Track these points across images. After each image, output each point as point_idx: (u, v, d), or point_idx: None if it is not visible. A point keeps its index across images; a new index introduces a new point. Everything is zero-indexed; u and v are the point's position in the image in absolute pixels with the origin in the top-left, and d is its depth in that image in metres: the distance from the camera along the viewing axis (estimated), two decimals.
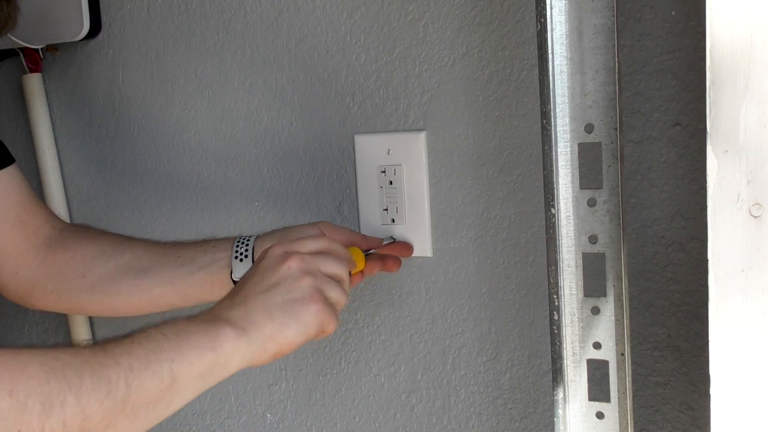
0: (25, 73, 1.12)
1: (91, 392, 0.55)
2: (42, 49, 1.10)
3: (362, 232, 0.96)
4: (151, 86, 1.08)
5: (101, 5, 1.08)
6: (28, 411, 0.52)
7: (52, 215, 0.95)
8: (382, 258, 0.89)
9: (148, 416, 0.60)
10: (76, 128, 1.14)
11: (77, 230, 0.95)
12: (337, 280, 0.76)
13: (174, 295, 0.87)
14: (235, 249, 0.86)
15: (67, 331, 1.15)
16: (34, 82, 1.12)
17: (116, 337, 0.62)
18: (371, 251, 0.88)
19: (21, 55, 1.10)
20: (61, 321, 1.17)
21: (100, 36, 1.09)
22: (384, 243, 0.91)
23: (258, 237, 0.87)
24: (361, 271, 0.86)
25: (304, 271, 0.73)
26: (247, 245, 0.86)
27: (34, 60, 1.10)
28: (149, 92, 1.08)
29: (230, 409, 1.11)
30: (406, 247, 0.93)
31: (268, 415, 1.08)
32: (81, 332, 1.14)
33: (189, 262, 0.87)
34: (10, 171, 0.89)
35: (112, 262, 0.89)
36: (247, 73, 1.01)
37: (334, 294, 0.74)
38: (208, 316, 0.68)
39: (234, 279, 0.85)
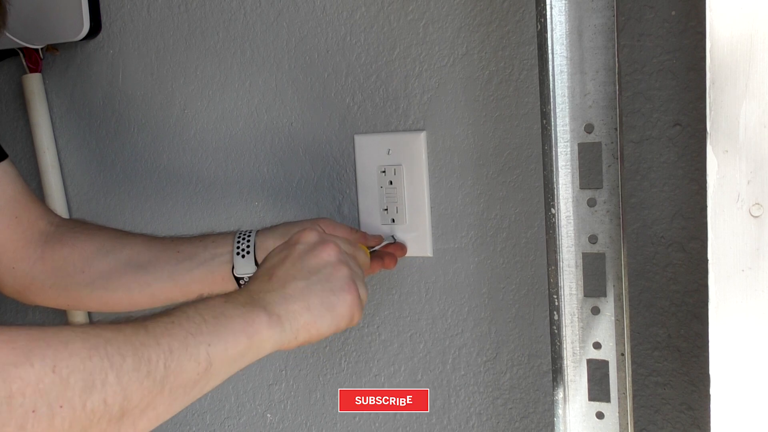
0: (25, 73, 1.12)
1: (132, 372, 0.55)
2: (42, 49, 1.10)
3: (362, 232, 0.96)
4: (151, 86, 1.08)
5: (101, 5, 1.08)
6: (71, 387, 0.51)
7: (48, 210, 0.95)
8: (382, 256, 0.90)
9: (185, 398, 0.61)
10: (76, 128, 1.14)
11: (74, 225, 0.95)
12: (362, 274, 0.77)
13: (174, 291, 0.88)
14: (237, 245, 0.86)
15: None
16: (34, 82, 1.12)
17: (154, 313, 0.62)
18: (374, 249, 0.88)
19: (21, 55, 1.10)
20: (62, 320, 1.16)
21: (100, 36, 1.09)
22: (384, 242, 0.91)
23: (258, 232, 0.87)
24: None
25: (342, 261, 0.74)
26: (248, 241, 0.86)
27: (34, 60, 1.10)
28: (149, 92, 1.08)
29: (230, 409, 1.11)
30: (401, 246, 0.94)
31: (268, 415, 1.08)
32: None
33: (189, 257, 0.87)
34: (3, 167, 0.89)
35: (111, 258, 0.89)
36: (247, 73, 1.01)
37: (362, 288, 0.75)
38: (246, 298, 0.68)
39: (235, 275, 0.85)
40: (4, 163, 0.89)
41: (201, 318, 0.62)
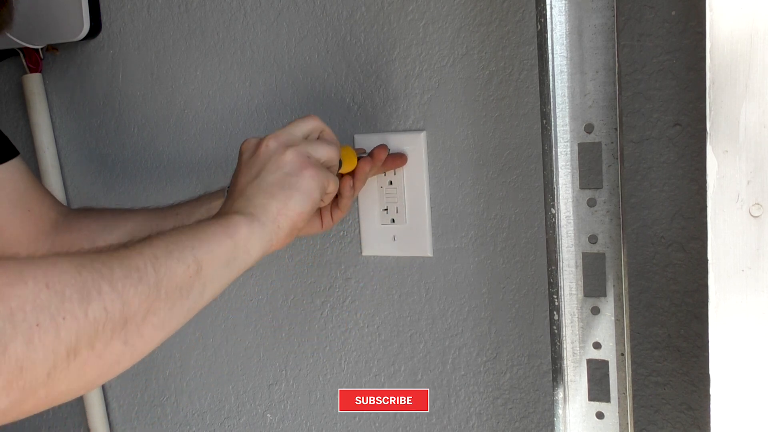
0: (25, 73, 1.12)
1: (124, 279, 0.56)
2: (42, 49, 1.10)
3: (362, 233, 0.96)
4: (151, 86, 1.08)
5: (101, 5, 1.08)
6: (68, 299, 0.52)
7: (57, 201, 0.98)
8: (371, 154, 0.88)
9: (184, 303, 0.61)
10: (76, 128, 1.14)
11: (79, 211, 0.98)
12: (322, 139, 0.77)
13: None
14: (226, 193, 0.87)
15: None
16: (34, 82, 1.12)
17: (131, 241, 0.63)
18: (362, 156, 0.87)
19: (21, 55, 1.10)
20: None
21: (100, 36, 1.09)
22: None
23: None
24: (353, 174, 0.84)
25: (283, 145, 0.74)
26: None
27: (34, 60, 1.10)
28: (149, 92, 1.08)
29: (230, 409, 1.11)
30: (400, 156, 0.92)
31: (268, 415, 1.08)
32: None
33: (187, 217, 0.89)
34: (14, 163, 0.92)
35: (115, 234, 0.92)
36: (247, 73, 1.01)
37: (323, 152, 0.76)
38: (216, 215, 0.70)
39: None
40: (16, 160, 0.92)
41: (178, 231, 0.64)
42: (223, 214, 0.70)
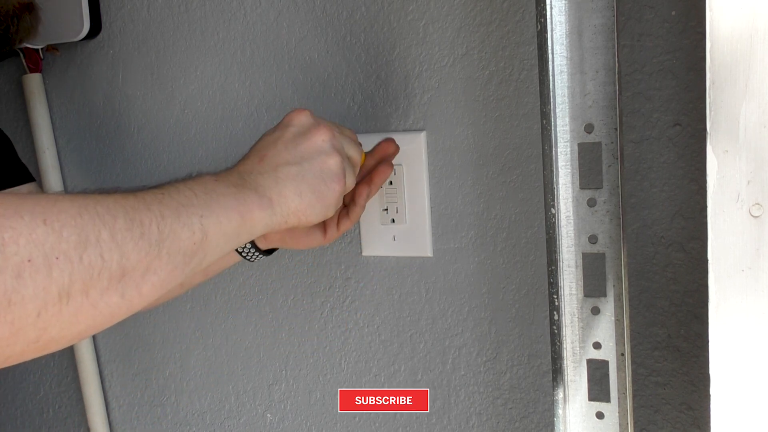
0: (25, 73, 1.12)
1: (125, 231, 0.54)
2: (42, 49, 1.10)
3: (362, 233, 0.96)
4: (151, 86, 1.08)
5: (101, 5, 1.08)
6: (65, 240, 0.50)
7: None
8: (378, 150, 0.86)
9: (185, 267, 0.60)
10: (76, 128, 1.14)
11: None
12: (352, 165, 0.77)
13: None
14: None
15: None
16: (34, 82, 1.12)
17: (144, 187, 0.61)
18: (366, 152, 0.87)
19: (21, 55, 1.10)
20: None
21: (100, 36, 1.09)
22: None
23: None
24: (369, 180, 0.84)
25: (335, 148, 0.73)
26: None
27: (34, 60, 1.10)
28: (149, 92, 1.08)
29: (230, 409, 1.11)
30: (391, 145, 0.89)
31: (268, 415, 1.08)
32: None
33: None
34: (29, 188, 0.94)
35: None
36: (247, 73, 1.01)
37: (350, 179, 0.75)
38: (236, 179, 0.68)
39: (238, 250, 0.87)
40: (31, 185, 0.94)
41: (192, 192, 0.62)
42: (243, 182, 0.68)
